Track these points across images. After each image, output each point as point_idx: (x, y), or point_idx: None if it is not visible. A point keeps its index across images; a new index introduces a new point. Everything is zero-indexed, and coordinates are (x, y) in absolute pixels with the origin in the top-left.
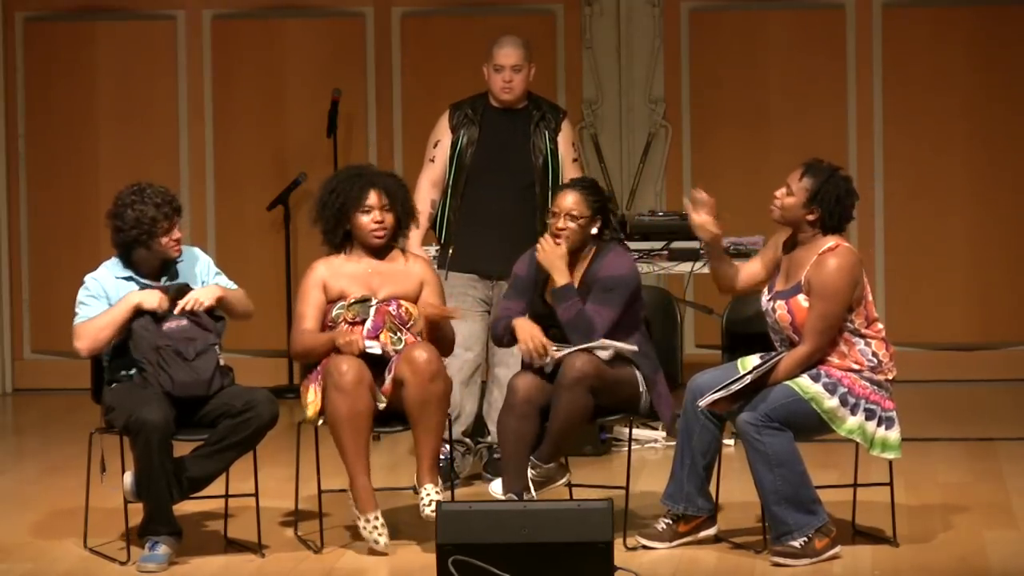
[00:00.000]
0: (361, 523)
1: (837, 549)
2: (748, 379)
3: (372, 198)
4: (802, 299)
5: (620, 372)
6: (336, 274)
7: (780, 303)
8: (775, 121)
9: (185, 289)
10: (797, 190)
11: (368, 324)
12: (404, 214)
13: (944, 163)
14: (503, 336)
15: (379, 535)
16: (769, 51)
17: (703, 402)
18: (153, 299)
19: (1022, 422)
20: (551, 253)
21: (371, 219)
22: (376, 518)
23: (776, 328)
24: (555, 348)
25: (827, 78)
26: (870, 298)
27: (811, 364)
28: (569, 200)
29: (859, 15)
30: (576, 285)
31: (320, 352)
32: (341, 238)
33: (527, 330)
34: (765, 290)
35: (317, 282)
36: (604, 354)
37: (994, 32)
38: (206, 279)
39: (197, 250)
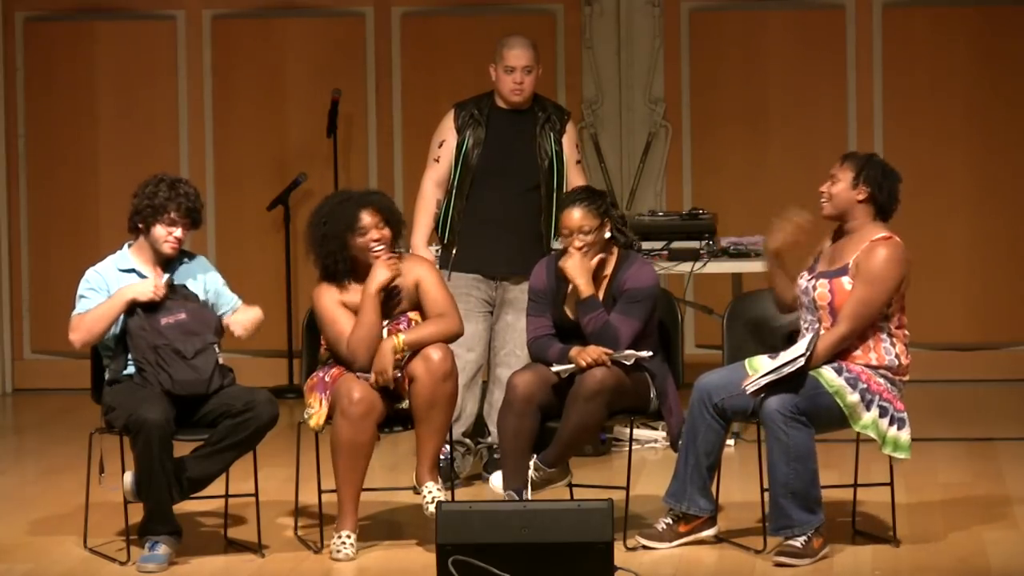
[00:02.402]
0: (335, 536)
1: (828, 548)
2: (800, 363)
3: (366, 218)
4: (846, 281)
5: (635, 380)
6: (345, 291)
7: (823, 282)
8: (775, 121)
9: (179, 287)
10: (842, 176)
11: None
12: (398, 225)
13: (944, 163)
14: (554, 359)
15: (347, 548)
16: (769, 51)
17: (749, 390)
18: (147, 289)
19: (1022, 422)
20: (580, 264)
21: (369, 238)
22: (348, 536)
23: (811, 307)
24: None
25: (827, 78)
26: (904, 302)
27: (844, 347)
28: (576, 216)
29: (859, 15)
30: (600, 295)
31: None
32: (345, 265)
33: (590, 354)
34: (805, 272)
35: (334, 302)
36: (627, 362)
37: (995, 32)
38: (208, 290)
39: (206, 261)
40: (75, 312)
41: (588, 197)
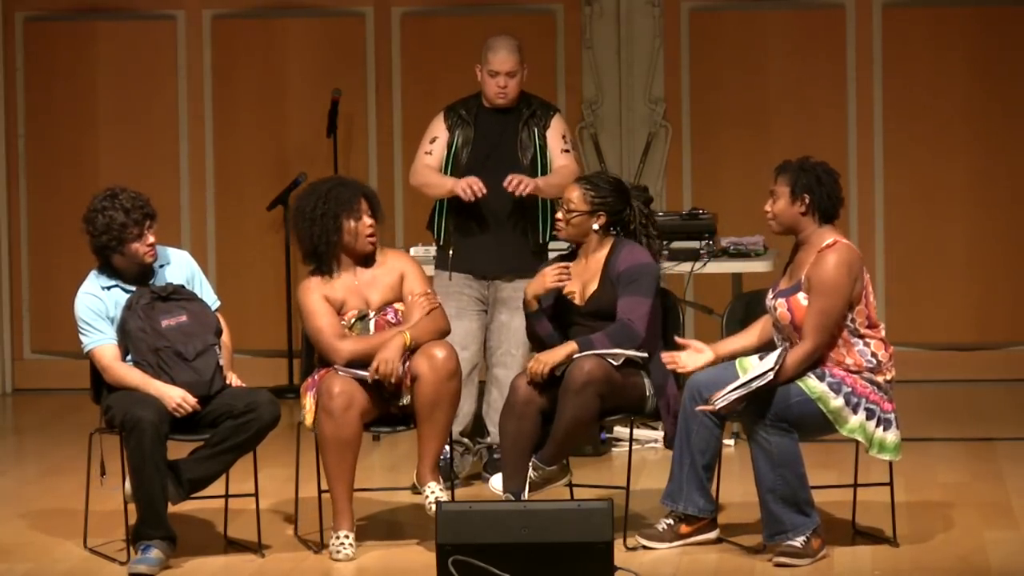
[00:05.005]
0: (332, 536)
1: (828, 548)
2: (769, 377)
3: (363, 203)
4: (801, 297)
5: (629, 378)
6: (330, 286)
7: (780, 301)
8: (775, 121)
9: (179, 289)
10: (779, 192)
11: None
12: (382, 219)
13: (944, 163)
14: (544, 335)
15: (346, 548)
16: (769, 51)
17: (719, 404)
18: (172, 402)
19: (1022, 422)
20: (540, 283)
21: (364, 223)
22: (347, 536)
23: (778, 326)
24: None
25: (827, 78)
26: (872, 299)
27: (814, 361)
28: (571, 194)
29: (859, 15)
30: (597, 286)
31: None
32: (332, 249)
33: (551, 357)
34: (770, 289)
35: (319, 296)
36: (616, 362)
37: (994, 33)
38: (192, 286)
39: (187, 255)
40: (92, 344)
41: (593, 184)
